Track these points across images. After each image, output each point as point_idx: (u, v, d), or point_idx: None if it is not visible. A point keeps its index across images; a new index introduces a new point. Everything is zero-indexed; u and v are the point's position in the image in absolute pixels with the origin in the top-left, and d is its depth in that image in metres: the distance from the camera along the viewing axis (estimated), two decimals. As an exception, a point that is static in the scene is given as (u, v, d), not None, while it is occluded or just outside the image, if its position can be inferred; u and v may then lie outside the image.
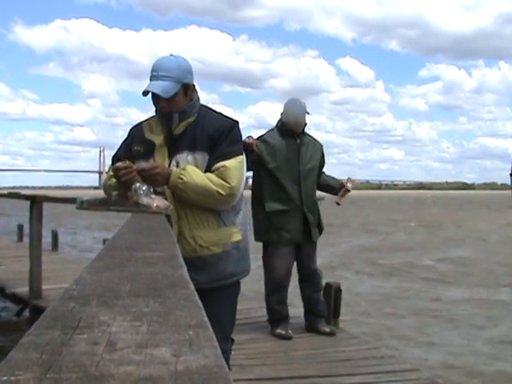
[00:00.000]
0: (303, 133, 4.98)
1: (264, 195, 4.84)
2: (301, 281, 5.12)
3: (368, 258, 14.93)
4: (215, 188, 2.57)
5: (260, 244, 5.00)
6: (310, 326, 5.06)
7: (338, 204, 5.10)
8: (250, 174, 4.96)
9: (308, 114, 4.97)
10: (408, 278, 11.72)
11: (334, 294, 5.36)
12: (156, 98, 2.67)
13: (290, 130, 4.87)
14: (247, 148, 4.47)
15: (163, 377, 0.52)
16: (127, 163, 2.55)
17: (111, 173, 2.69)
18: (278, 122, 4.98)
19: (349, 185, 5.07)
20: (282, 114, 4.97)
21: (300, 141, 4.92)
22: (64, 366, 0.54)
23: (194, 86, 2.74)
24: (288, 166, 4.85)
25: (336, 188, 5.09)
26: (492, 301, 9.27)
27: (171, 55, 2.74)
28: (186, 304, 0.80)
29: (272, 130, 4.98)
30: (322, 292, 5.18)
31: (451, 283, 11.12)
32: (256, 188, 4.94)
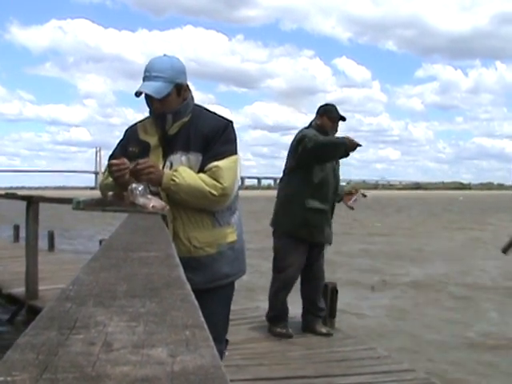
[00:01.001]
0: None
1: (306, 192, 4.87)
2: (305, 280, 5.14)
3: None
4: (208, 188, 2.56)
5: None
6: (308, 327, 5.08)
7: (352, 208, 5.26)
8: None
9: (344, 119, 5.04)
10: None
11: (330, 294, 5.37)
12: (149, 98, 2.67)
13: (326, 132, 4.93)
14: (353, 148, 4.62)
15: (159, 377, 0.52)
16: (121, 160, 2.55)
17: (106, 172, 2.69)
18: (313, 122, 5.03)
19: (362, 191, 5.31)
20: (317, 116, 5.03)
21: None
22: (60, 366, 0.54)
23: (187, 86, 2.73)
24: (331, 170, 4.98)
25: (340, 195, 5.20)
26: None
27: (164, 55, 2.74)
28: (183, 304, 0.80)
29: (308, 128, 5.02)
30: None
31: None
32: (298, 183, 4.94)
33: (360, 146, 4.62)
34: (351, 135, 4.73)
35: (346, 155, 4.68)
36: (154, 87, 2.61)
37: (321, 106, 5.08)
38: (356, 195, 5.19)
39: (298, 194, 4.91)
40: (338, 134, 5.02)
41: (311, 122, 5.04)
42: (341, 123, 5.06)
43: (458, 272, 12.77)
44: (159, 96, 2.62)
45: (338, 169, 5.14)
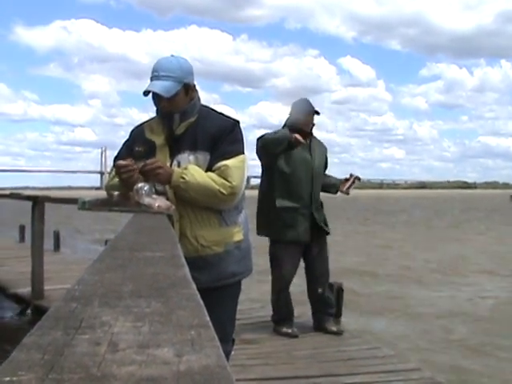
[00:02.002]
0: (311, 133, 5.01)
1: (276, 191, 4.86)
2: (309, 280, 5.13)
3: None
4: (217, 187, 2.57)
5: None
6: (319, 325, 5.08)
7: (347, 194, 5.20)
8: (257, 172, 5.04)
9: (318, 113, 5.00)
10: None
11: (336, 293, 5.37)
12: (157, 97, 2.67)
13: (300, 129, 4.83)
14: (298, 144, 4.58)
15: (165, 377, 0.52)
16: (129, 161, 2.55)
17: (113, 173, 2.69)
18: (286, 121, 5.00)
19: (356, 175, 5.26)
20: (290, 113, 5.01)
21: (310, 141, 4.96)
22: (66, 366, 0.54)
23: (194, 86, 2.74)
24: (302, 165, 4.91)
25: (337, 185, 5.18)
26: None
27: (172, 55, 2.74)
28: (188, 304, 0.80)
29: (283, 128, 4.99)
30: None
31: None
32: (267, 184, 4.95)
33: (303, 143, 4.63)
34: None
35: (290, 149, 4.65)
36: (163, 86, 2.62)
37: (294, 103, 5.06)
38: (350, 180, 5.17)
39: (268, 195, 4.91)
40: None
41: (286, 121, 5.02)
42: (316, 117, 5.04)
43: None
44: (168, 95, 2.63)
45: (321, 163, 5.07)
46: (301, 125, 4.87)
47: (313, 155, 4.99)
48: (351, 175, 5.23)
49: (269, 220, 4.91)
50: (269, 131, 4.94)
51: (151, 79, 2.66)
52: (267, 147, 4.72)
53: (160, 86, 2.62)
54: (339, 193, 5.22)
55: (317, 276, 5.07)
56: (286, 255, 4.92)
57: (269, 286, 5.16)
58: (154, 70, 2.67)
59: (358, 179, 5.29)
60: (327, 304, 5.13)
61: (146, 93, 2.65)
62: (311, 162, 4.96)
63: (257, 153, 4.88)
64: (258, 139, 4.84)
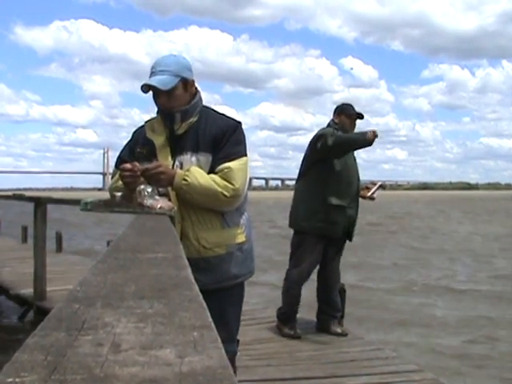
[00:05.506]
0: None
1: (328, 188, 4.89)
2: (321, 280, 5.15)
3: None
4: (220, 189, 2.56)
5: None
6: (322, 327, 5.08)
7: (372, 199, 5.24)
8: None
9: (361, 117, 5.06)
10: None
11: (338, 294, 5.36)
12: (156, 94, 2.67)
13: (346, 130, 4.96)
14: (372, 140, 4.64)
15: (168, 378, 0.52)
16: (133, 165, 2.54)
17: (117, 176, 2.69)
18: (331, 122, 5.07)
19: (380, 183, 5.42)
20: (334, 115, 5.08)
21: None
22: (69, 367, 0.54)
23: (193, 81, 2.73)
24: (351, 165, 5.03)
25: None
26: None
27: (171, 54, 2.77)
28: (191, 305, 0.80)
29: (326, 128, 5.04)
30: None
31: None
32: (317, 180, 4.95)
33: (377, 136, 4.66)
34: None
35: (369, 145, 4.72)
36: (160, 79, 2.62)
37: (337, 106, 5.14)
38: (375, 187, 5.22)
39: (317, 190, 4.91)
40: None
41: (329, 122, 5.07)
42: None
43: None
44: (165, 88, 2.62)
45: (356, 164, 5.16)
46: (347, 127, 4.98)
47: (354, 156, 5.13)
48: (373, 183, 5.33)
49: (312, 213, 4.92)
50: (327, 130, 4.95)
51: (150, 76, 2.66)
52: (344, 146, 4.78)
53: (157, 80, 2.62)
54: (360, 199, 5.22)
55: (330, 278, 5.10)
56: (312, 250, 4.94)
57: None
58: (152, 68, 2.68)
59: (383, 187, 5.35)
60: (334, 307, 5.14)
61: (145, 90, 2.64)
62: (354, 161, 5.09)
63: (317, 149, 4.87)
64: (320, 136, 4.87)
